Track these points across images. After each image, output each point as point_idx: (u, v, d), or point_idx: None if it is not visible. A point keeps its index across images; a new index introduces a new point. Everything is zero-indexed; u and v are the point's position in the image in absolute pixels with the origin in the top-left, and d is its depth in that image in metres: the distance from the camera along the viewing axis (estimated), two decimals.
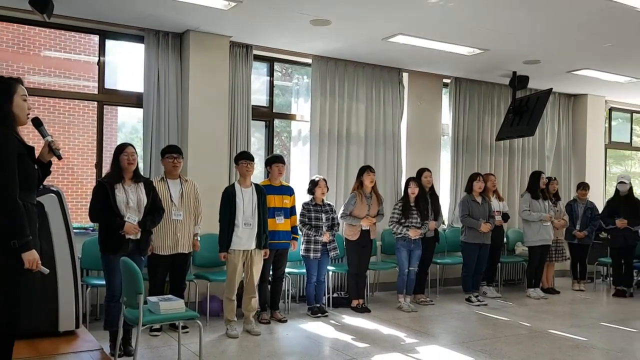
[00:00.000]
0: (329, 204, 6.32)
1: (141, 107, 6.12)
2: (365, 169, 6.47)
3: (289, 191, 5.97)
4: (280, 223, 5.78)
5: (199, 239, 5.38)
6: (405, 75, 7.73)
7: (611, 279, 8.15)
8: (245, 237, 5.25)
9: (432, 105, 8.02)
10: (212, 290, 5.80)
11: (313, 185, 6.21)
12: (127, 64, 7.46)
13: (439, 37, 6.18)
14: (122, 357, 4.41)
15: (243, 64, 6.52)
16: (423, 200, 6.64)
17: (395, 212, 6.56)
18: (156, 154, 6.02)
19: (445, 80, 8.15)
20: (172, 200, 5.15)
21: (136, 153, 4.57)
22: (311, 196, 6.24)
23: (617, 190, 7.93)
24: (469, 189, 7.16)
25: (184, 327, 4.96)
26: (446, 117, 8.25)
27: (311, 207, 6.17)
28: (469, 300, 7.00)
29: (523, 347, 5.13)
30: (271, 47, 6.70)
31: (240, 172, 5.41)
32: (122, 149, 4.54)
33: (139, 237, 4.50)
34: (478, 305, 6.88)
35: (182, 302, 4.22)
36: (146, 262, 4.95)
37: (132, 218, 4.44)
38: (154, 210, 4.64)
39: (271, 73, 7.07)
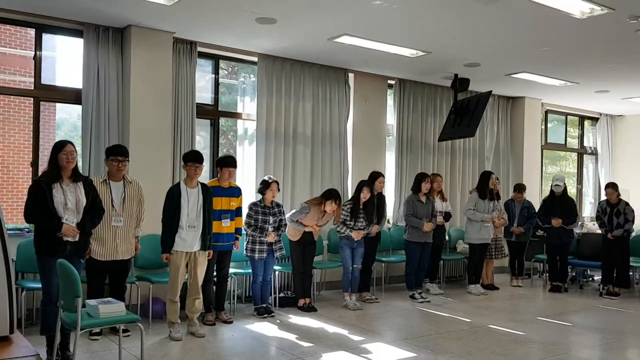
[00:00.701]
0: (277, 205, 6.27)
1: (80, 103, 5.91)
2: (330, 198, 6.35)
3: (237, 192, 5.88)
4: (225, 226, 5.69)
5: (139, 241, 5.24)
6: (351, 75, 7.80)
7: (547, 275, 8.49)
8: (189, 239, 5.14)
9: (377, 106, 8.13)
10: (154, 292, 5.67)
11: (264, 187, 6.12)
12: (65, 59, 7.19)
13: (384, 39, 6.27)
14: None
15: (187, 61, 6.40)
16: (371, 204, 6.73)
17: (342, 212, 6.60)
18: (96, 153, 5.84)
19: (390, 82, 8.28)
20: (113, 205, 4.93)
21: (75, 151, 4.40)
22: (260, 196, 6.18)
23: (552, 191, 8.26)
24: (416, 188, 7.29)
25: (125, 331, 4.83)
26: (391, 117, 8.37)
27: (259, 208, 6.10)
28: (412, 297, 7.14)
29: (464, 342, 5.27)
30: (216, 45, 6.61)
31: (187, 174, 5.27)
32: (60, 146, 4.33)
33: (77, 239, 4.34)
34: (421, 302, 7.02)
35: (123, 305, 4.11)
36: (85, 265, 4.78)
37: (70, 219, 4.27)
38: (94, 211, 4.48)
39: (216, 71, 6.98)
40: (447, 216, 7.76)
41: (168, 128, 6.21)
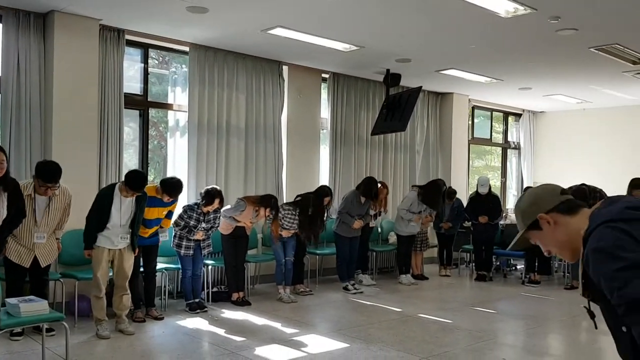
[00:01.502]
0: (215, 210, 6.07)
1: None
2: (268, 205, 6.28)
3: (173, 202, 5.68)
4: (151, 229, 5.55)
5: (61, 241, 5.05)
6: (285, 68, 7.77)
7: (473, 264, 8.82)
8: (109, 240, 4.97)
9: (311, 99, 8.15)
10: (80, 289, 5.44)
11: (208, 202, 5.89)
12: None
13: (317, 32, 6.28)
14: None
15: (114, 50, 6.16)
16: (315, 220, 6.76)
17: (290, 216, 6.60)
18: (16, 145, 5.55)
19: (324, 75, 8.31)
20: (35, 221, 4.72)
21: (7, 159, 4.15)
22: (199, 202, 6.01)
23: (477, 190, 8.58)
24: (365, 192, 7.32)
25: (49, 330, 4.61)
26: (325, 111, 8.42)
27: (194, 214, 5.94)
28: (346, 288, 7.23)
29: (395, 331, 5.39)
30: (146, 33, 6.41)
31: (121, 192, 4.98)
32: None
33: None
34: (354, 293, 7.12)
35: (46, 303, 3.94)
36: (2, 262, 4.54)
37: None
38: (15, 217, 4.27)
39: (145, 60, 6.76)
40: (376, 215, 7.97)
41: (94, 119, 5.97)
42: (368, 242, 8.03)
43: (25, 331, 4.80)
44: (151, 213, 5.38)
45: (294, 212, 6.65)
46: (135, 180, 4.95)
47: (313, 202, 6.71)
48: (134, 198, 5.02)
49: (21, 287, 4.76)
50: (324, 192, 6.97)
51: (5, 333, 4.17)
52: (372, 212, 7.67)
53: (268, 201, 6.34)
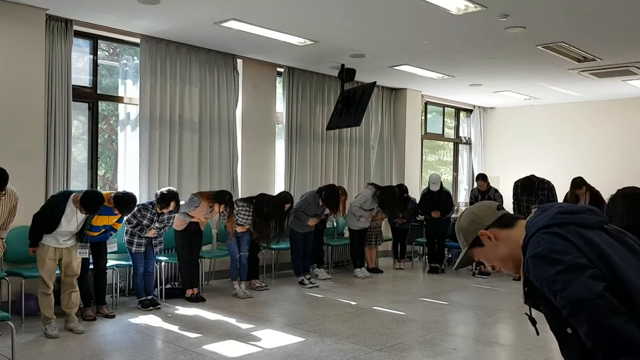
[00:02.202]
0: (169, 212, 5.97)
1: None
2: (222, 202, 6.22)
3: (119, 217, 5.54)
4: (98, 232, 5.42)
5: (5, 240, 4.88)
6: (239, 61, 7.69)
7: (426, 257, 8.99)
8: (60, 239, 4.87)
9: (266, 94, 8.10)
10: (27, 288, 5.26)
11: (164, 205, 5.78)
12: None
13: (272, 26, 6.24)
14: None
15: (62, 40, 5.96)
16: (273, 217, 6.74)
17: (244, 212, 6.57)
18: None
19: (279, 69, 8.28)
20: None
21: None
22: (154, 202, 5.89)
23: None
24: (330, 202, 7.31)
25: None
26: (280, 105, 8.39)
27: (148, 214, 5.83)
28: (301, 283, 7.25)
29: (350, 324, 5.44)
30: (95, 24, 6.23)
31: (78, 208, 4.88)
32: None
33: None
34: (310, 288, 7.15)
35: None
36: None
37: None
38: None
39: (95, 51, 6.57)
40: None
41: (40, 112, 5.76)
42: (323, 236, 8.07)
43: None
44: (100, 220, 5.26)
45: (248, 209, 6.62)
46: (93, 204, 4.83)
47: (272, 205, 6.67)
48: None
49: None
50: (285, 199, 6.91)
51: None
52: (327, 212, 7.69)
53: (222, 197, 6.28)
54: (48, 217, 4.81)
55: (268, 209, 6.66)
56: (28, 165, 5.53)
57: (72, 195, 4.92)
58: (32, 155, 5.65)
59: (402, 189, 8.44)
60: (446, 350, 4.73)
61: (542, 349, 4.86)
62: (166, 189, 5.97)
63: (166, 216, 5.96)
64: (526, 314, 1.74)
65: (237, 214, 6.53)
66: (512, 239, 1.67)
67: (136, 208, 5.73)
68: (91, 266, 5.52)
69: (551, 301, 1.50)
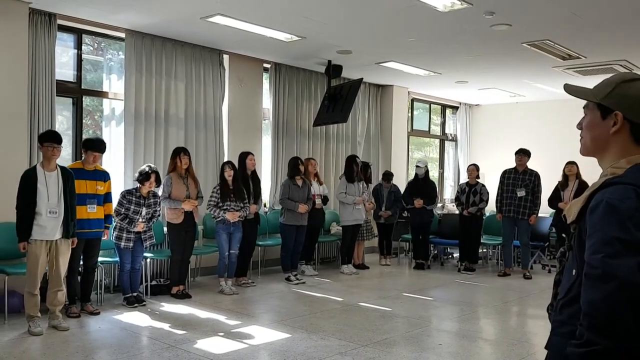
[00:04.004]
0: (154, 194, 5.99)
1: None
2: (179, 151, 6.30)
3: (103, 177, 5.56)
4: (92, 211, 5.38)
5: None
6: (226, 57, 7.66)
7: (412, 253, 9.03)
8: (49, 226, 4.78)
9: (253, 89, 8.08)
10: (10, 285, 5.21)
11: (143, 178, 5.81)
12: None
13: (258, 21, 6.22)
14: None
15: (45, 35, 5.89)
16: (244, 183, 6.70)
17: (212, 195, 6.52)
18: None
19: (265, 65, 8.25)
20: None
21: None
22: (137, 185, 5.88)
23: (416, 174, 8.79)
24: (292, 172, 7.37)
25: None
26: (267, 101, 8.36)
27: (133, 198, 5.82)
28: (288, 279, 7.24)
29: (336, 320, 5.45)
30: (79, 18, 6.16)
31: (44, 155, 4.89)
32: None
33: None
34: (297, 284, 7.15)
35: None
36: None
37: None
38: None
39: (79, 46, 6.50)
40: (325, 200, 7.96)
41: (23, 107, 5.69)
42: (319, 232, 8.03)
43: None
44: (80, 187, 5.20)
45: (214, 190, 6.57)
46: (48, 132, 5.04)
47: (228, 169, 6.60)
48: (60, 175, 4.87)
49: None
50: (242, 155, 6.94)
51: None
52: (314, 191, 7.63)
53: (175, 150, 6.33)
54: (24, 189, 4.74)
55: (239, 174, 6.64)
56: (11, 161, 5.46)
57: (37, 163, 4.93)
58: (15, 151, 5.58)
59: (354, 155, 8.43)
60: (431, 345, 4.76)
61: (526, 344, 4.91)
62: (145, 165, 6.00)
63: (152, 200, 5.93)
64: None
65: (214, 205, 6.49)
66: (625, 151, 1.46)
67: (120, 194, 5.76)
68: (81, 262, 5.47)
69: (582, 238, 1.39)
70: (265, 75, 8.34)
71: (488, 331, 5.53)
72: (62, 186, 4.87)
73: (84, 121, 6.73)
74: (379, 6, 5.63)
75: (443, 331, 5.36)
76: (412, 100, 10.99)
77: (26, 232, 4.73)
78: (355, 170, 8.06)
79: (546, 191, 8.16)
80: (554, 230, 8.54)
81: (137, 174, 5.93)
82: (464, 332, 5.27)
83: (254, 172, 7.09)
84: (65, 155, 6.49)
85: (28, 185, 4.75)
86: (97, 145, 5.47)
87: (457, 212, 8.78)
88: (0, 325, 4.94)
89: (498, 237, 8.56)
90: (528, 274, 7.98)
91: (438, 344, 4.81)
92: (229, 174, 6.55)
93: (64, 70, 6.44)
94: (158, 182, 5.95)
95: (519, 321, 6.05)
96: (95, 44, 7.18)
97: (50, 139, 4.87)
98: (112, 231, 5.80)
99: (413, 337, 4.99)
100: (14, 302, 5.27)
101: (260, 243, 7.56)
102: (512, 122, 11.51)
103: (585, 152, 1.59)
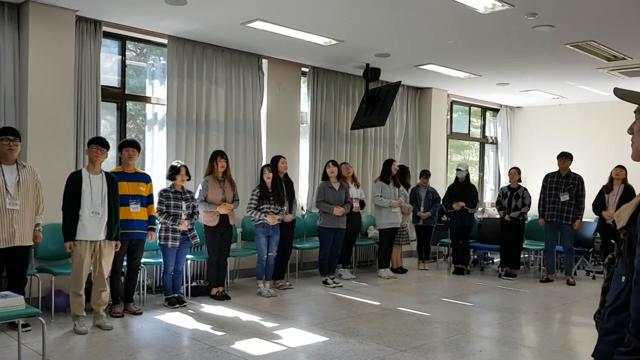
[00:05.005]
0: (189, 192, 6.15)
1: None
2: (216, 154, 6.40)
3: (144, 178, 5.70)
4: (135, 211, 5.51)
5: (40, 230, 4.95)
6: (264, 61, 7.74)
7: (451, 258, 8.92)
8: (91, 227, 4.91)
9: (291, 93, 8.13)
10: (57, 285, 5.38)
11: (174, 172, 5.99)
12: None
13: (297, 26, 6.26)
14: None
15: (91, 41, 6.07)
16: (279, 186, 6.75)
17: (252, 198, 6.59)
18: None
19: (304, 69, 8.30)
20: (6, 189, 4.64)
21: None
22: (170, 183, 6.03)
23: (456, 177, 8.69)
24: (324, 175, 7.41)
25: (25, 325, 4.56)
26: (305, 105, 8.41)
27: (170, 194, 5.96)
28: (325, 282, 7.25)
29: (374, 324, 5.43)
30: (123, 25, 6.33)
31: (89, 157, 5.06)
32: None
33: None
34: (334, 287, 7.15)
35: (22, 298, 3.88)
36: None
37: None
38: None
39: (123, 52, 6.68)
40: (362, 203, 7.95)
41: (70, 112, 5.88)
42: (356, 237, 8.03)
43: (1, 327, 4.74)
44: (123, 188, 5.34)
45: (254, 193, 6.64)
46: (96, 137, 5.28)
47: (267, 172, 6.67)
48: (104, 178, 5.03)
49: None
50: (274, 158, 6.98)
51: None
52: (353, 195, 7.61)
53: (213, 153, 6.44)
54: (70, 190, 4.92)
55: (274, 176, 6.68)
56: (58, 164, 5.64)
57: (84, 167, 5.14)
58: (62, 154, 5.77)
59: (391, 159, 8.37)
60: (471, 352, 4.69)
61: (570, 352, 4.79)
62: (173, 161, 6.21)
63: (189, 195, 6.05)
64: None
65: (254, 207, 6.56)
66: None
67: (158, 194, 5.93)
68: (124, 263, 5.61)
69: (632, 244, 1.37)
70: (303, 79, 8.39)
71: (530, 338, 5.41)
72: (106, 189, 5.02)
73: (127, 125, 6.90)
74: (418, 9, 5.60)
75: (483, 337, 5.28)
76: (452, 103, 10.87)
77: (71, 232, 4.88)
78: (392, 173, 8.01)
79: (590, 196, 7.95)
80: (598, 235, 8.30)
81: (167, 172, 6.10)
82: (505, 338, 5.17)
83: (287, 176, 7.12)
84: (110, 159, 6.66)
85: (73, 186, 4.92)
86: (132, 142, 5.65)
87: (497, 216, 8.64)
88: (47, 324, 5.10)
89: (540, 242, 8.38)
90: (572, 280, 7.79)
91: (478, 351, 4.73)
92: (267, 177, 6.61)
93: (109, 75, 6.62)
94: (188, 175, 6.08)
95: (562, 328, 5.90)
96: (138, 50, 7.36)
97: (97, 142, 5.05)
98: (157, 233, 5.92)
99: (452, 343, 4.92)
100: (60, 301, 5.45)
101: (297, 246, 7.60)
102: (555, 125, 11.25)
103: (637, 157, 1.57)
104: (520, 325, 5.81)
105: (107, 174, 5.13)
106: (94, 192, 4.94)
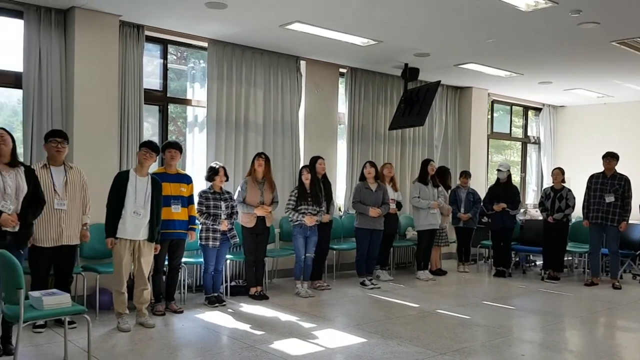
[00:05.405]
0: (227, 192, 6.23)
1: (21, 87, 5.66)
2: (255, 155, 6.48)
3: (186, 179, 5.80)
4: (176, 212, 5.61)
5: (88, 229, 5.09)
6: (302, 63, 7.77)
7: (492, 260, 8.76)
8: (131, 226, 5.02)
9: (329, 94, 8.14)
10: (101, 283, 5.54)
11: (213, 173, 6.08)
12: (4, 41, 6.85)
13: (335, 27, 6.27)
14: (1, 356, 4.09)
15: (134, 45, 6.22)
16: (317, 187, 6.76)
17: (291, 199, 6.62)
18: (38, 139, 5.62)
19: (341, 70, 8.30)
20: (55, 190, 4.78)
21: (8, 134, 4.23)
22: (209, 184, 6.12)
23: (497, 178, 8.53)
24: (362, 176, 7.39)
25: (71, 322, 4.68)
26: (342, 106, 8.41)
27: (209, 195, 6.05)
28: (363, 284, 7.23)
29: (413, 326, 5.38)
30: (164, 29, 6.46)
31: (138, 159, 5.19)
32: None
33: (17, 229, 4.18)
34: (372, 289, 7.12)
35: (68, 296, 3.99)
36: (27, 255, 4.62)
37: (6, 207, 4.11)
38: (35, 202, 4.34)
39: (165, 56, 6.82)
40: (399, 205, 7.88)
41: (114, 114, 6.04)
42: (393, 238, 7.98)
43: (48, 324, 4.91)
44: (165, 189, 5.43)
45: (292, 194, 6.66)
46: (148, 141, 5.33)
47: (306, 173, 6.68)
48: (150, 181, 5.14)
49: (46, 280, 4.84)
50: (312, 159, 7.02)
51: (28, 325, 4.26)
52: (390, 196, 7.54)
53: (255, 155, 6.49)
54: (115, 188, 5.07)
55: (312, 177, 6.69)
56: (103, 165, 5.80)
57: (132, 168, 5.27)
58: (107, 155, 5.93)
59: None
60: (513, 356, 4.59)
61: (615, 357, 4.65)
62: (212, 163, 6.30)
63: (227, 195, 6.12)
64: None
65: (292, 208, 6.59)
66: None
67: (197, 195, 6.02)
68: (165, 262, 5.72)
69: None
70: (341, 80, 8.38)
71: (574, 343, 5.27)
72: (150, 192, 5.13)
73: (168, 127, 7.03)
74: (458, 8, 5.53)
75: (525, 341, 5.16)
76: (492, 102, 10.68)
77: (113, 229, 5.01)
78: (429, 174, 7.93)
79: (637, 197, 7.69)
80: None
81: (206, 173, 6.19)
82: (548, 343, 5.05)
83: (325, 176, 7.13)
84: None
85: (119, 185, 5.06)
86: (174, 144, 5.78)
87: (540, 217, 8.44)
88: (92, 321, 5.23)
89: (585, 244, 8.15)
90: (617, 283, 7.55)
91: (520, 355, 4.63)
92: (306, 178, 6.64)
93: (151, 79, 6.76)
94: (227, 176, 6.15)
95: (607, 333, 5.72)
96: (179, 53, 7.49)
97: (148, 145, 5.19)
98: (198, 233, 6.01)
99: (493, 346, 4.83)
100: (105, 299, 5.59)
101: (335, 247, 7.60)
102: (600, 124, 10.93)
103: None
104: (563, 329, 5.66)
105: (153, 177, 5.24)
106: (138, 193, 5.06)
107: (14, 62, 5.77)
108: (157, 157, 5.45)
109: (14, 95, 6.04)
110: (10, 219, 4.11)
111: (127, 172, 5.18)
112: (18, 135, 4.34)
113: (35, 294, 3.89)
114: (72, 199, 4.90)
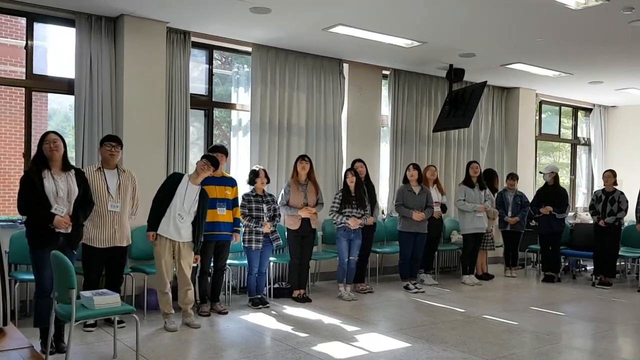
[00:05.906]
0: (270, 195, 6.28)
1: (73, 94, 5.86)
2: (298, 158, 6.51)
3: (230, 182, 5.89)
4: (221, 214, 5.70)
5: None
6: (345, 65, 7.77)
7: (540, 265, 8.53)
8: (173, 227, 5.12)
9: (371, 97, 8.11)
10: (149, 284, 5.66)
11: (254, 176, 6.15)
12: (57, 49, 7.12)
13: (378, 29, 6.24)
14: (53, 354, 4.24)
15: (181, 51, 6.36)
16: (360, 189, 6.73)
17: (335, 201, 6.62)
18: (89, 143, 5.81)
19: (384, 72, 8.25)
20: (108, 192, 4.93)
21: (61, 139, 4.38)
22: (252, 187, 6.18)
23: (545, 181, 8.31)
24: (404, 178, 7.33)
25: (120, 322, 4.80)
26: (385, 108, 8.36)
27: (252, 197, 6.11)
28: (407, 287, 7.16)
29: (458, 332, 5.29)
30: (210, 35, 6.57)
31: (197, 168, 5.28)
32: (43, 137, 4.35)
33: (69, 231, 4.32)
34: (416, 293, 7.04)
35: (118, 296, 4.10)
36: (79, 255, 4.77)
37: (59, 209, 4.25)
38: (85, 204, 4.47)
39: (210, 61, 6.93)
40: (443, 208, 7.75)
41: (162, 119, 6.18)
42: (437, 241, 7.88)
43: (98, 323, 5.05)
44: (210, 191, 5.50)
45: (336, 196, 6.64)
46: (208, 155, 5.42)
47: (351, 176, 6.64)
48: (199, 191, 5.21)
49: (97, 280, 4.98)
50: (352, 163, 7.00)
51: (79, 324, 4.39)
52: (435, 199, 7.43)
53: (297, 158, 6.52)
54: (165, 187, 5.19)
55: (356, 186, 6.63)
56: (150, 167, 5.94)
57: (187, 174, 5.37)
58: (155, 160, 6.08)
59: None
60: None
61: None
62: (254, 166, 6.35)
63: (269, 198, 6.17)
64: None
65: (337, 210, 6.57)
66: None
67: (241, 198, 6.06)
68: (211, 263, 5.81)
69: None
70: (384, 82, 8.34)
71: (627, 351, 5.08)
72: (198, 201, 5.22)
73: (213, 131, 7.15)
74: (505, 7, 5.42)
75: (575, 349, 5.00)
76: (540, 103, 10.42)
77: (155, 224, 5.14)
78: (472, 176, 7.78)
79: None
80: None
81: (248, 177, 6.23)
82: (599, 351, 4.88)
83: (368, 179, 7.09)
84: (194, 162, 6.94)
85: (171, 184, 5.19)
86: (220, 148, 5.86)
87: (590, 221, 8.18)
88: (140, 321, 5.35)
89: (638, 249, 7.87)
90: None
91: None
92: (350, 180, 6.62)
93: (196, 84, 6.89)
94: (267, 178, 6.20)
95: None
96: (224, 59, 7.62)
97: (210, 159, 5.28)
98: (241, 236, 6.09)
99: (542, 353, 4.70)
100: (152, 299, 5.71)
101: (377, 250, 7.55)
102: None
103: None
104: (616, 336, 5.46)
105: (203, 189, 5.29)
106: (186, 199, 5.15)
107: (66, 69, 5.99)
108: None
109: (66, 102, 6.26)
110: (63, 220, 4.25)
111: (182, 175, 5.30)
112: (70, 140, 4.49)
113: (86, 293, 4.01)
114: (124, 201, 5.04)
